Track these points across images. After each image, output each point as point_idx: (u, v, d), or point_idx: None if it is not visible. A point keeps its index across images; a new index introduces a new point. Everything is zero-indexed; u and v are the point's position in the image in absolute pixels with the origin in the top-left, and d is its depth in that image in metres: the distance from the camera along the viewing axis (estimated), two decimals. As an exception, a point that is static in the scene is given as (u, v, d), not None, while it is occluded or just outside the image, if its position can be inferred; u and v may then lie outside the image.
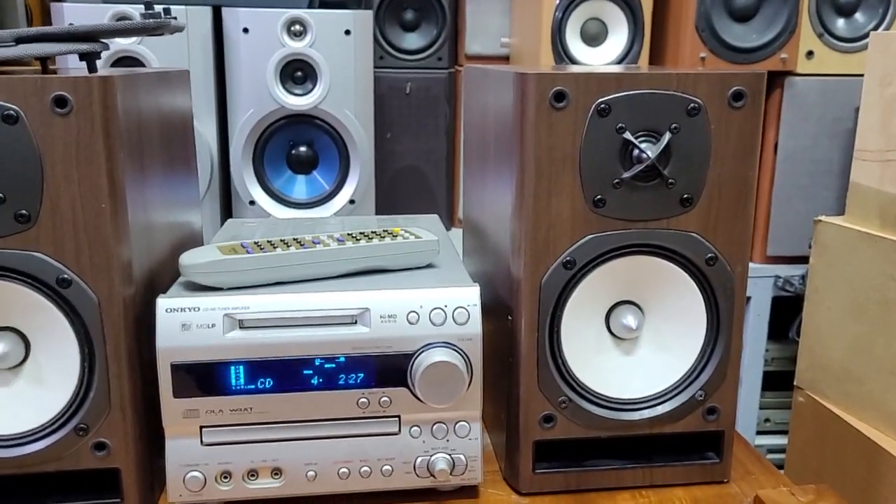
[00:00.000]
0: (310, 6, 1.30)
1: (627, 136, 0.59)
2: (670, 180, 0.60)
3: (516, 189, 0.61)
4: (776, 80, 1.49)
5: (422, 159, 1.47)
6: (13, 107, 0.53)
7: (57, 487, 0.61)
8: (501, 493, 0.65)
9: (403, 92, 1.49)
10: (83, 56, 0.57)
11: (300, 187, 1.27)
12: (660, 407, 0.64)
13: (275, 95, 1.22)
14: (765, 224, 1.56)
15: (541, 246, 0.60)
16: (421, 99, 1.51)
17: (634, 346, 0.65)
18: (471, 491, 0.65)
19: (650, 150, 0.59)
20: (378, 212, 1.33)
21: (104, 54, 1.26)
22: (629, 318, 0.63)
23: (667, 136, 0.59)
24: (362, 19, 1.30)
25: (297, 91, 1.21)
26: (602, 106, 0.58)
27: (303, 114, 1.22)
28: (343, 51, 1.26)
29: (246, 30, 1.22)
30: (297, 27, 1.21)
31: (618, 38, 1.45)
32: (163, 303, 0.59)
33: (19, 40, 0.55)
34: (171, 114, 0.73)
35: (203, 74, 1.28)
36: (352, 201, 1.25)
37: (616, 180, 0.60)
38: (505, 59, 1.59)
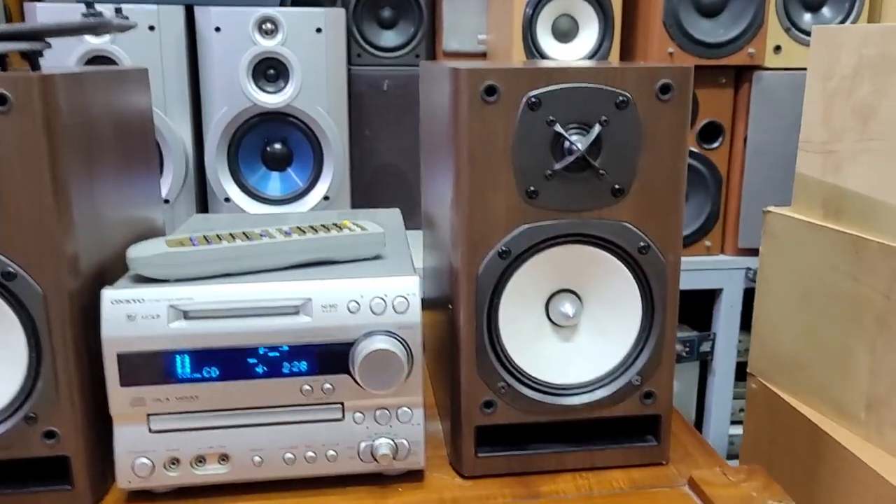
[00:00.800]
0: (281, 4, 1.32)
1: (558, 128, 0.61)
2: (601, 171, 0.62)
3: (453, 182, 0.63)
4: (744, 74, 1.51)
5: (400, 157, 1.49)
6: (-44, 105, 0.55)
7: (7, 476, 0.63)
8: (446, 477, 0.67)
9: (381, 89, 1.51)
10: (24, 55, 0.58)
11: (275, 184, 1.29)
12: (598, 392, 0.66)
13: (248, 93, 1.24)
14: (735, 217, 1.58)
15: (477, 237, 0.62)
16: (399, 96, 1.53)
17: (573, 333, 0.67)
18: (416, 475, 0.67)
19: (580, 143, 0.61)
20: (354, 208, 1.35)
21: (76, 53, 1.28)
22: (566, 306, 0.65)
23: (596, 128, 0.61)
24: (334, 17, 1.32)
25: (269, 89, 1.23)
26: (532, 100, 0.60)
27: (276, 111, 1.24)
28: (315, 48, 1.28)
29: (218, 28, 1.24)
30: (269, 25, 1.23)
31: (588, 35, 1.47)
32: (108, 294, 0.61)
33: (-36, 40, 0.57)
34: (126, 111, 0.75)
35: (176, 73, 1.30)
36: (326, 198, 1.27)
37: (548, 172, 0.62)
38: (482, 55, 1.60)
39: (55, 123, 0.57)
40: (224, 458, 0.64)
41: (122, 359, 0.60)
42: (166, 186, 1.27)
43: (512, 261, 0.63)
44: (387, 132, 1.53)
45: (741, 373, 1.65)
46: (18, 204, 0.57)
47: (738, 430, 1.68)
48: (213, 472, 0.64)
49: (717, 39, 1.46)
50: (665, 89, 0.62)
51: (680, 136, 0.63)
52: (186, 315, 0.61)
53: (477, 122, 0.60)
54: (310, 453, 0.64)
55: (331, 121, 1.27)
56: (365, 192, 1.49)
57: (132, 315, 0.60)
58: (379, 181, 1.53)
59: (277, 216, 0.93)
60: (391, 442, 0.64)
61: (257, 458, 0.64)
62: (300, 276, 0.64)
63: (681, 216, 0.65)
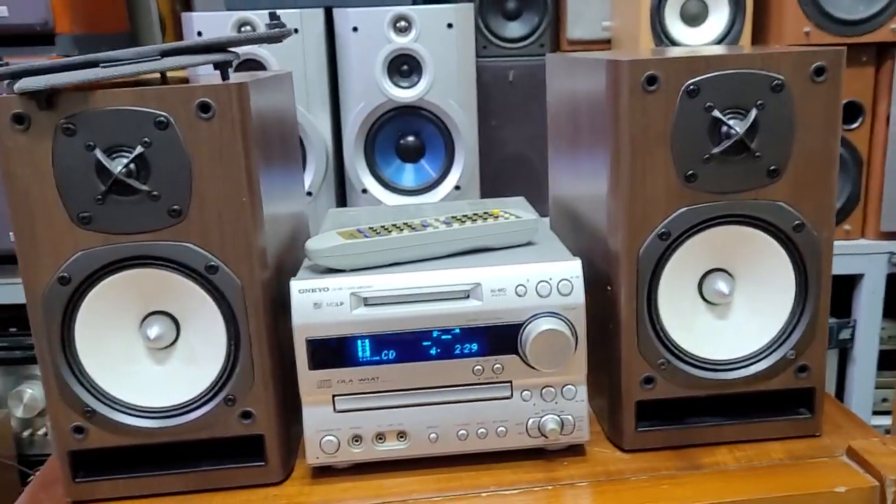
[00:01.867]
0: (413, 3, 1.37)
1: (716, 113, 0.63)
2: (757, 153, 0.64)
3: (612, 168, 0.66)
4: (887, 51, 1.45)
5: (526, 145, 1.52)
6: (164, 114, 0.60)
7: (204, 454, 0.68)
8: (606, 451, 0.71)
9: (506, 80, 1.54)
10: (217, 65, 0.63)
11: (408, 175, 1.34)
12: (754, 366, 0.69)
13: (383, 89, 1.29)
14: (878, 199, 1.50)
15: (637, 220, 0.65)
16: (524, 86, 1.55)
17: (727, 310, 0.70)
18: (577, 449, 0.70)
19: (738, 126, 0.63)
20: (482, 197, 1.39)
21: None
22: (721, 284, 0.68)
23: (753, 112, 0.63)
24: (464, 12, 1.37)
25: (403, 84, 1.28)
26: (691, 87, 0.63)
27: (410, 105, 1.29)
28: (446, 43, 1.33)
29: (355, 28, 1.31)
30: (403, 23, 1.28)
31: (718, 18, 1.45)
32: (296, 284, 0.65)
33: (164, 54, 0.62)
34: (283, 112, 0.80)
35: (317, 72, 1.37)
36: (457, 187, 1.31)
37: (706, 156, 0.64)
38: (606, 42, 1.60)
39: (248, 127, 0.62)
40: (402, 435, 0.68)
41: (311, 344, 0.65)
42: (308, 179, 1.35)
43: (671, 242, 0.66)
44: (512, 121, 1.55)
45: (884, 361, 1.59)
46: (218, 203, 0.62)
47: (880, 420, 1.61)
48: (393, 448, 0.68)
49: (856, 16, 1.40)
50: (819, 72, 0.64)
51: (833, 116, 0.65)
52: (367, 302, 0.66)
53: (637, 111, 0.63)
54: (481, 429, 0.68)
55: (462, 113, 1.31)
56: (492, 181, 1.52)
57: (318, 303, 0.65)
58: (505, 170, 1.55)
59: (409, 207, 0.97)
60: (557, 417, 0.68)
61: (433, 435, 0.68)
62: (467, 263, 0.68)
63: (833, 194, 0.67)
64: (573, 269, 0.66)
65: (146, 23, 1.74)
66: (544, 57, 1.57)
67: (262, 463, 0.67)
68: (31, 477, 1.19)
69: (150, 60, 0.61)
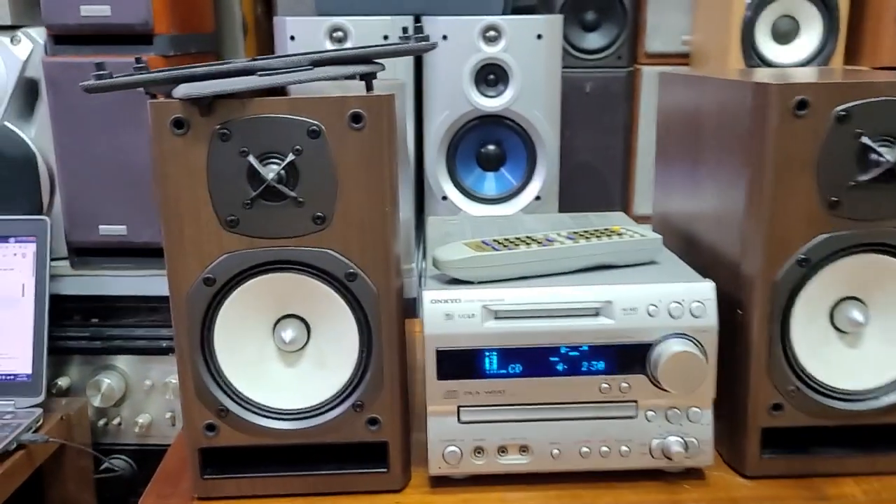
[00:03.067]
0: (503, 12, 1.37)
1: (865, 140, 0.62)
2: (905, 182, 0.63)
3: (751, 190, 0.65)
4: None
5: (598, 156, 1.52)
6: (316, 123, 0.61)
7: (327, 458, 0.69)
8: (727, 476, 0.70)
9: (583, 91, 1.54)
10: (363, 76, 0.64)
11: (489, 184, 1.34)
12: (885, 398, 0.67)
13: (469, 97, 1.30)
14: None
15: (776, 245, 0.64)
16: (599, 97, 1.55)
17: (858, 339, 0.68)
18: (697, 473, 0.70)
19: (889, 154, 0.62)
20: (560, 207, 1.39)
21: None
22: (856, 313, 0.67)
23: (904, 140, 0.62)
24: (553, 24, 1.37)
25: (489, 93, 1.28)
26: (842, 113, 0.62)
27: (494, 115, 1.29)
28: (534, 54, 1.33)
29: (445, 37, 1.31)
30: (493, 33, 1.29)
31: (810, 36, 1.43)
32: (428, 295, 0.66)
33: (315, 64, 0.63)
34: (401, 121, 0.80)
35: (404, 78, 1.38)
36: (538, 198, 1.31)
37: (851, 183, 0.63)
38: (685, 56, 1.60)
39: (394, 138, 0.63)
40: (524, 449, 0.68)
41: (441, 354, 0.66)
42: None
43: (810, 269, 0.65)
44: (585, 131, 1.55)
45: None
46: (361, 211, 0.63)
47: None
48: (514, 461, 0.68)
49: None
50: (974, 101, 0.62)
51: (984, 148, 0.63)
52: (497, 315, 0.66)
53: (785, 136, 0.62)
54: (604, 448, 0.68)
55: (546, 123, 1.31)
56: (564, 190, 1.52)
57: (450, 314, 0.65)
58: (577, 179, 1.55)
59: (511, 219, 0.97)
60: (681, 440, 0.67)
61: (555, 451, 0.68)
62: (596, 280, 0.68)
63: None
64: (706, 291, 0.66)
65: (229, 23, 1.78)
66: (621, 69, 1.56)
67: (385, 470, 0.68)
68: (105, 464, 1.22)
69: (303, 70, 0.62)
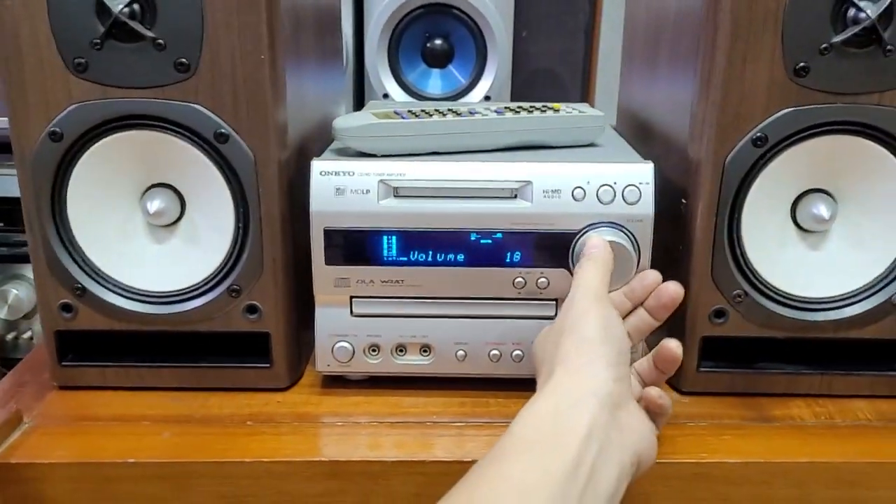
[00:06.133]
0: None
1: (844, -9, 0.51)
2: (889, 47, 0.52)
3: (704, 55, 0.54)
4: None
5: (558, 60, 1.40)
6: (176, -54, 0.51)
7: (204, 350, 0.61)
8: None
9: None
10: None
11: (435, 81, 1.23)
12: (847, 309, 0.58)
13: None
14: None
15: (729, 119, 0.54)
16: None
17: (823, 239, 0.58)
18: (626, 386, 0.61)
19: (870, 9, 0.51)
20: None
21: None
22: (821, 208, 0.56)
23: (892, -8, 0.51)
24: None
25: None
26: (817, -45, 0.50)
27: (441, 3, 1.16)
28: None
29: None
30: None
31: None
32: (317, 165, 0.56)
33: None
34: (322, 4, 0.70)
35: None
36: (487, 97, 1.20)
37: (824, 45, 0.52)
38: None
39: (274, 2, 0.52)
40: (426, 349, 0.60)
41: (329, 235, 0.56)
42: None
43: (767, 150, 0.54)
44: (544, 34, 1.43)
45: None
46: (234, 58, 0.53)
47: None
48: (414, 362, 0.60)
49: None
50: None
51: None
52: (397, 192, 0.56)
53: (745, -18, 0.51)
54: (517, 352, 0.59)
55: (498, 16, 1.18)
56: (520, 95, 1.41)
57: (341, 188, 0.56)
58: (535, 84, 1.44)
59: (460, 105, 0.87)
60: (606, 346, 0.58)
61: (461, 353, 0.59)
62: (517, 158, 0.58)
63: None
64: (643, 173, 0.56)
65: None
66: None
67: (267, 365, 0.60)
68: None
69: None
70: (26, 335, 1.15)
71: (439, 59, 1.22)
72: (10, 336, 1.15)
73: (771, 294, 0.58)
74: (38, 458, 0.52)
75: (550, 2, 1.43)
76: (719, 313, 0.58)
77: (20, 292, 1.11)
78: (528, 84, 1.45)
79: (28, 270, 1.10)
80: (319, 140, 0.66)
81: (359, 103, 1.29)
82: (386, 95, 1.21)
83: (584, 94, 1.46)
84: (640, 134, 0.73)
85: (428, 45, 1.22)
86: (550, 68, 1.45)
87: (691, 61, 0.56)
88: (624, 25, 0.83)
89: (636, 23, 0.77)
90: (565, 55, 1.44)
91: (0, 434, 0.54)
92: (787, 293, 0.58)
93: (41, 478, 0.52)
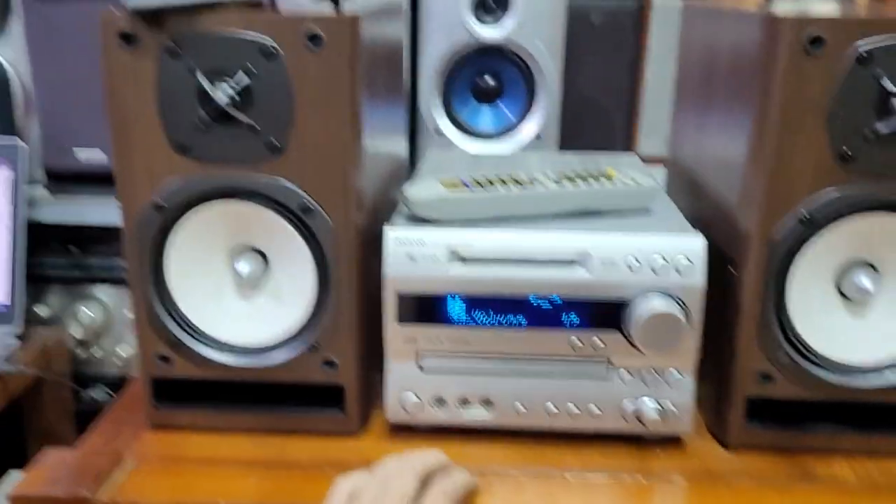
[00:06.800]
0: None
1: (886, 83, 0.55)
2: (931, 135, 0.55)
3: (755, 136, 0.58)
4: None
5: (602, 92, 1.42)
6: (272, 42, 0.56)
7: (285, 398, 0.66)
8: (706, 445, 0.65)
9: (588, 22, 1.44)
10: (329, -7, 0.59)
11: (485, 118, 1.27)
12: (891, 375, 0.61)
13: (467, 25, 1.21)
14: None
15: (777, 199, 0.58)
16: (608, 32, 1.45)
17: (866, 309, 0.62)
18: (674, 440, 0.65)
19: (913, 102, 0.54)
20: (561, 144, 1.31)
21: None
22: (864, 279, 0.60)
23: (934, 86, 0.54)
24: None
25: (488, 21, 1.20)
26: (863, 53, 0.54)
27: (492, 45, 1.21)
28: None
29: None
30: None
31: None
32: (391, 233, 0.61)
33: (275, -24, 0.57)
34: (392, 45, 0.75)
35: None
36: (538, 136, 1.24)
37: (868, 133, 0.56)
38: None
39: (357, 64, 0.57)
40: (488, 402, 0.64)
41: (401, 297, 0.62)
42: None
43: (813, 228, 0.58)
44: (590, 69, 1.46)
45: None
46: (319, 139, 0.58)
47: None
48: (476, 415, 0.64)
49: None
50: None
51: None
52: (464, 259, 0.61)
53: (794, 76, 0.55)
54: (572, 407, 0.63)
55: (548, 56, 1.22)
56: (565, 127, 1.43)
57: (413, 255, 0.61)
58: (579, 116, 1.46)
59: (516, 157, 0.91)
60: (657, 404, 0.62)
61: (520, 407, 0.64)
62: (576, 227, 0.62)
63: None
64: (695, 246, 0.60)
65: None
66: (631, 2, 1.43)
67: (341, 413, 0.65)
68: (81, 394, 1.19)
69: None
70: (96, 352, 1.21)
71: (489, 95, 1.26)
72: (81, 353, 1.22)
73: (815, 360, 0.61)
74: (140, 499, 0.58)
75: (598, 34, 1.45)
76: (766, 376, 0.61)
77: (92, 311, 1.18)
78: (574, 115, 1.47)
79: (98, 290, 1.17)
80: (390, 188, 0.70)
81: (411, 140, 1.34)
82: (438, 131, 1.25)
83: (629, 125, 1.48)
84: (690, 190, 0.76)
85: (478, 80, 1.26)
86: (596, 100, 1.48)
87: (741, 137, 0.60)
88: (678, 74, 0.85)
89: (690, 72, 0.80)
90: (612, 90, 1.46)
91: (104, 473, 0.60)
92: (831, 359, 0.61)
93: (143, 516, 0.58)
